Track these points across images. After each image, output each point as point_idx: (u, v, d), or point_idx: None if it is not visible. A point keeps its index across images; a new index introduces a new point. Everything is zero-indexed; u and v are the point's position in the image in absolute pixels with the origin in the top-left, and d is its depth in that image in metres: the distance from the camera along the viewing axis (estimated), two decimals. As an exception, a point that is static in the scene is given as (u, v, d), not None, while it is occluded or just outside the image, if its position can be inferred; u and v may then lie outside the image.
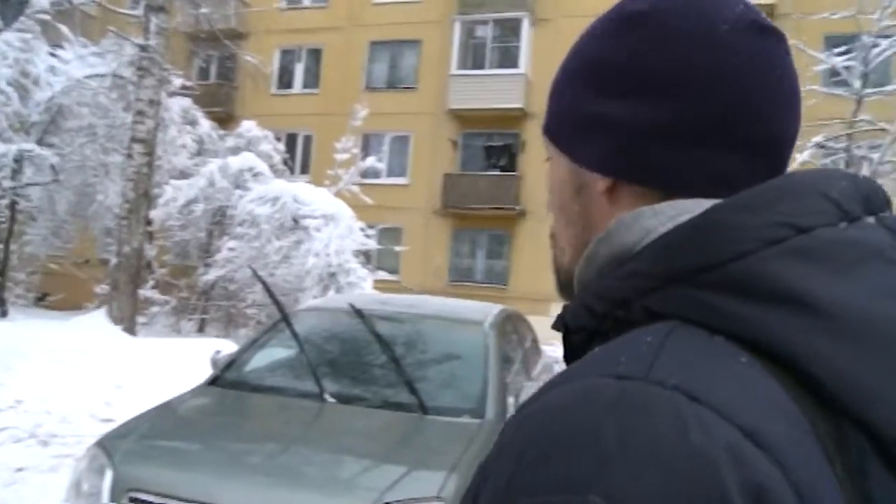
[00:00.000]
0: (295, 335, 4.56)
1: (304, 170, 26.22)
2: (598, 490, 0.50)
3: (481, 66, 25.71)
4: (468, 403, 4.27)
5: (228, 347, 6.65)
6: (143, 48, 12.15)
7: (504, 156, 26.03)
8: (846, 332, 0.58)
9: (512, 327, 5.83)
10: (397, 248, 21.47)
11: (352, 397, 4.30)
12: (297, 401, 4.31)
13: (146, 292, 18.17)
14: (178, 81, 17.73)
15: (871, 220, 0.65)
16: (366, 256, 16.65)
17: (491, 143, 26.24)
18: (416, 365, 4.48)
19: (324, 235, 13.67)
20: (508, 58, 25.52)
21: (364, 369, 4.65)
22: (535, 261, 24.83)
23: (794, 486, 0.51)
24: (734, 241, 0.61)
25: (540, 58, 25.30)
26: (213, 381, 4.69)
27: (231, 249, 14.34)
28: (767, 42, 0.73)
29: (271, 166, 19.06)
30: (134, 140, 12.17)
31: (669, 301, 0.62)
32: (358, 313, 4.44)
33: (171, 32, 16.24)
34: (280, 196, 14.18)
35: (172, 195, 15.32)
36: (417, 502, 3.22)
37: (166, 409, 4.17)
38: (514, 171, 25.65)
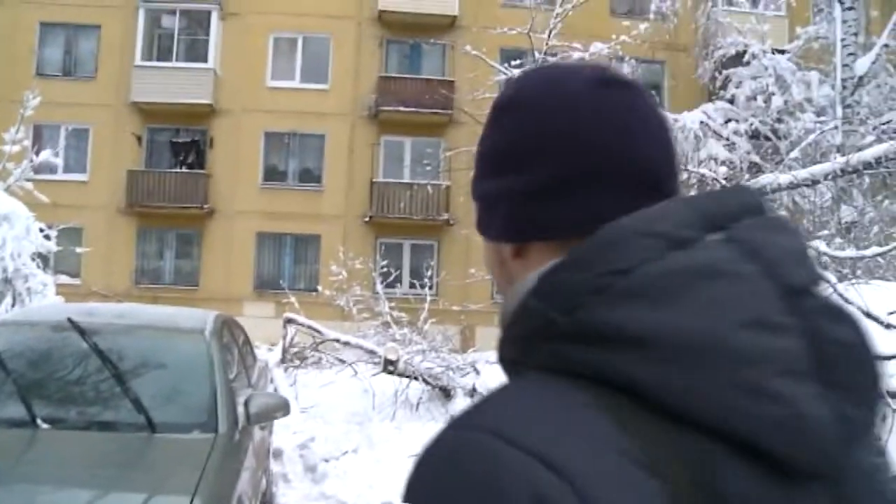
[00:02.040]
0: (-4, 353, 4.11)
1: (-35, 163, 23.68)
2: None
3: (167, 59, 24.83)
4: (199, 417, 4.11)
5: None
6: None
7: (192, 152, 25.34)
8: (671, 354, 0.67)
9: (229, 333, 5.74)
10: (78, 250, 20.09)
11: (69, 420, 3.98)
12: (1, 430, 3.87)
13: None
14: None
15: (714, 236, 0.73)
16: (43, 259, 15.46)
17: (178, 139, 25.44)
18: (136, 380, 4.19)
19: (-2, 238, 12.53)
20: (196, 51, 24.90)
21: (79, 389, 4.32)
22: (226, 260, 24.43)
23: (580, 494, 0.62)
24: (568, 299, 0.72)
25: (229, 52, 24.97)
26: None
27: None
28: (615, 93, 0.84)
29: (-76, 159, 17.12)
30: None
31: (536, 356, 0.74)
32: (76, 327, 4.14)
33: None
34: (-57, 194, 12.80)
35: None
36: (162, 532, 3.03)
37: None
38: (202, 169, 25.06)
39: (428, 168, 20.69)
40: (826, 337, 0.70)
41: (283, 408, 4.69)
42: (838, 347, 0.71)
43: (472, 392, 9.83)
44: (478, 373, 10.56)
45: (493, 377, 10.21)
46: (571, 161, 0.81)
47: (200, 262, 24.96)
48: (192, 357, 4.67)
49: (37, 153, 17.91)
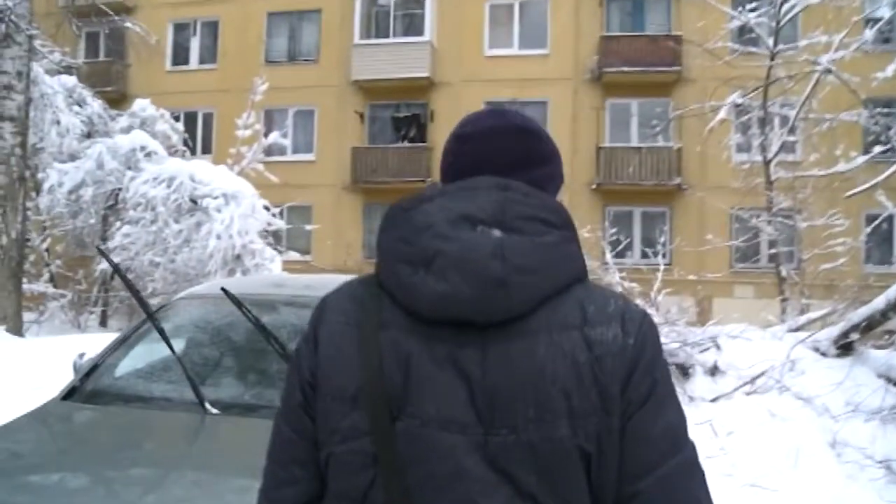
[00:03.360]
0: (162, 333, 3.62)
1: (206, 150, 24.93)
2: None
3: (385, 35, 24.90)
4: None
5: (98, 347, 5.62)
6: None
7: (413, 127, 25.35)
8: (384, 260, 1.33)
9: None
10: (307, 227, 20.61)
11: (241, 405, 3.46)
12: (173, 414, 3.45)
13: (39, 287, 16.98)
14: (56, 55, 16.35)
15: (425, 205, 1.32)
16: (275, 237, 15.82)
17: (399, 115, 25.52)
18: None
19: (225, 216, 12.74)
20: (413, 26, 24.77)
21: (258, 369, 3.81)
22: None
23: (323, 316, 1.38)
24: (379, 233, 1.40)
25: (445, 24, 24.67)
26: (70, 394, 3.70)
27: (126, 235, 13.26)
28: (462, 142, 1.44)
29: (170, 147, 18.00)
30: (1, 118, 10.82)
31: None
32: (232, 299, 3.54)
33: (51, 5, 14.91)
34: (175, 176, 13.16)
35: (58, 180, 14.11)
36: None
37: (4, 436, 3.19)
38: (423, 143, 24.99)
39: (657, 129, 19.38)
40: (434, 250, 1.25)
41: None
42: (438, 254, 1.24)
43: (714, 370, 8.72)
44: (719, 348, 9.39)
45: (735, 352, 9.08)
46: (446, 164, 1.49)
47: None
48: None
49: (266, 136, 18.43)
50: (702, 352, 9.38)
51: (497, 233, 1.25)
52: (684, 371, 8.87)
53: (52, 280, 18.40)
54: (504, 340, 1.23)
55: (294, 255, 18.30)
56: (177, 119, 21.78)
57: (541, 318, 1.24)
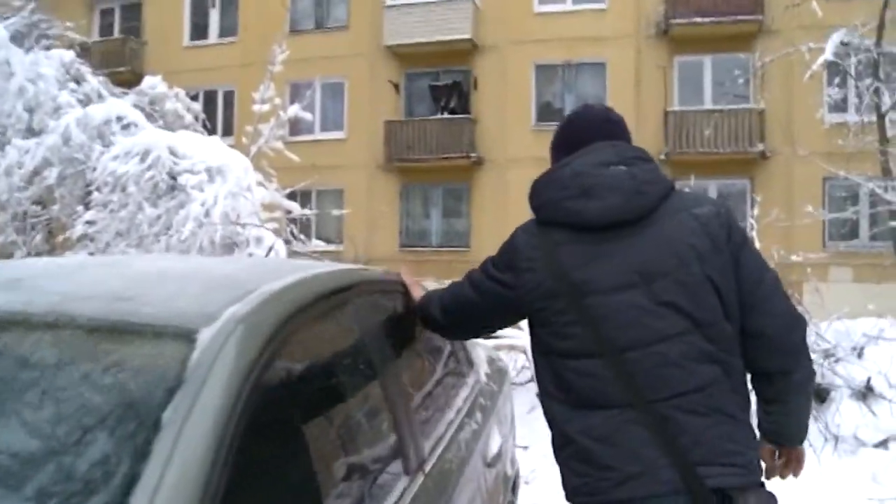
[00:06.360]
0: None
1: (228, 131, 22.59)
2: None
3: (421, -6, 22.36)
4: None
5: None
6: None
7: (454, 96, 22.67)
8: (549, 202, 2.18)
9: (352, 317, 2.23)
10: (335, 212, 18.18)
11: None
12: None
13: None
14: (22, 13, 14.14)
15: (566, 167, 2.14)
16: (303, 227, 13.48)
17: (438, 83, 22.86)
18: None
19: (207, 195, 10.24)
20: (452, -18, 22.14)
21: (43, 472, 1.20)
22: (498, 215, 21.64)
23: (516, 242, 2.15)
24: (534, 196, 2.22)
25: (488, -20, 22.08)
26: None
27: (90, 223, 10.83)
28: (573, 124, 2.36)
29: (183, 128, 15.67)
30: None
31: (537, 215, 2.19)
32: None
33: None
34: (151, 149, 10.67)
35: (17, 159, 11.77)
36: None
37: None
38: (467, 114, 22.41)
39: (740, 83, 16.69)
40: (589, 184, 2.05)
41: None
42: (594, 185, 2.04)
43: (866, 392, 5.99)
44: (860, 356, 6.67)
45: (887, 362, 6.37)
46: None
47: (470, 218, 22.38)
48: (135, 414, 1.32)
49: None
50: (836, 362, 6.64)
51: (622, 167, 2.08)
52: (819, 394, 6.12)
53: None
54: (644, 227, 2.01)
55: (319, 244, 15.91)
56: (194, 99, 19.48)
57: (662, 210, 2.04)
